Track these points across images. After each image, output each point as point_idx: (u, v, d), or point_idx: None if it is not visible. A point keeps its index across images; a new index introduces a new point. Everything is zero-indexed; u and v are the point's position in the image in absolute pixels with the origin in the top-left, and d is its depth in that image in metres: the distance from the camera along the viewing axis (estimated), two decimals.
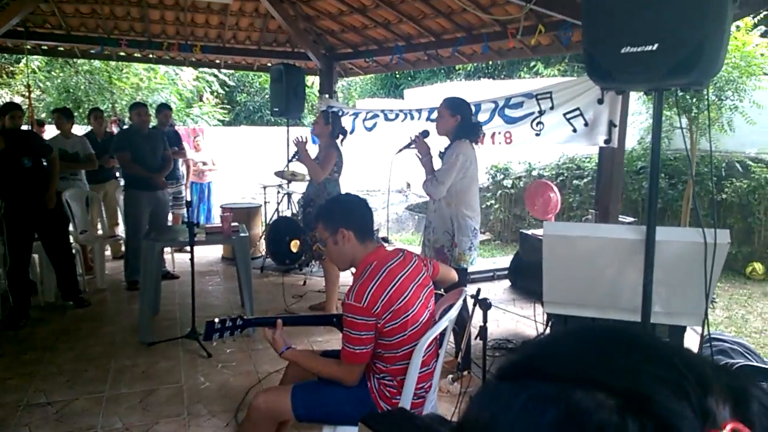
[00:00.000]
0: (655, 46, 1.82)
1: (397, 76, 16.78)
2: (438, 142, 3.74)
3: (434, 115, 4.05)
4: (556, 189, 5.45)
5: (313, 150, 4.95)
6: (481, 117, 5.61)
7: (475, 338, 2.71)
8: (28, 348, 4.04)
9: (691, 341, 3.61)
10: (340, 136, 4.76)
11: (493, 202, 9.17)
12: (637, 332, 0.43)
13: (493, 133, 5.54)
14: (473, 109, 5.62)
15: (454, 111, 3.59)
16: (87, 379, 3.54)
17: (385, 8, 6.15)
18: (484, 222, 9.41)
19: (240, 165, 12.12)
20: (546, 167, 8.76)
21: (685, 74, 1.80)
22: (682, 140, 7.60)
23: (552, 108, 5.00)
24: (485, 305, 2.89)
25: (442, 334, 2.37)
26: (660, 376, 0.38)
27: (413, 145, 3.64)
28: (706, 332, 2.21)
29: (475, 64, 14.64)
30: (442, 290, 2.48)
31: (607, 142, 4.68)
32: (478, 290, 2.89)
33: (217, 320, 2.15)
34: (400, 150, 3.76)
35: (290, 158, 3.55)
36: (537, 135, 5.26)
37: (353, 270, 2.19)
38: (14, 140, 4.56)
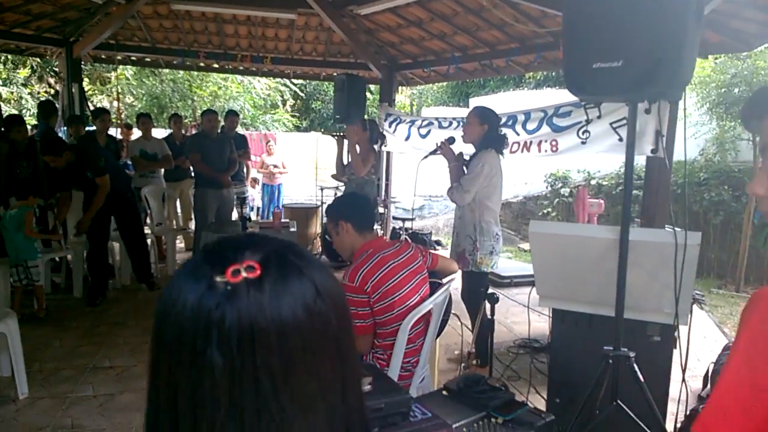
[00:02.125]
0: (621, 62, 2.00)
1: (467, 84, 16.95)
2: (465, 149, 3.94)
3: None
4: (586, 194, 5.52)
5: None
6: (530, 126, 5.73)
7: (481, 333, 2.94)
8: (101, 322, 4.63)
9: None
10: (378, 141, 5.08)
11: (550, 210, 9.19)
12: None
13: (540, 141, 5.65)
14: (523, 117, 5.82)
15: (483, 120, 3.75)
16: (146, 350, 4.00)
17: (440, 21, 6.42)
18: None
19: (309, 168, 12.70)
20: (606, 176, 8.69)
21: (646, 87, 1.97)
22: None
23: (599, 117, 5.02)
24: (493, 299, 3.12)
25: (443, 321, 2.62)
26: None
27: (439, 151, 3.81)
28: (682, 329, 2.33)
29: (544, 73, 14.58)
30: (443, 280, 2.72)
31: (653, 151, 4.69)
32: (487, 286, 3.13)
33: None
34: (426, 156, 3.90)
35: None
36: (583, 143, 5.33)
37: None
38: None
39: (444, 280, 2.68)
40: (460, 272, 3.67)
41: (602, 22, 2.05)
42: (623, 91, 2.05)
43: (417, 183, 3.80)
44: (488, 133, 3.73)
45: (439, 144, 3.80)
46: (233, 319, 0.55)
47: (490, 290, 3.18)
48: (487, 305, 3.25)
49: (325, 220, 2.53)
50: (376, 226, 7.24)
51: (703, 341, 4.58)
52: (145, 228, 6.14)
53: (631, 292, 2.25)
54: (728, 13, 4.16)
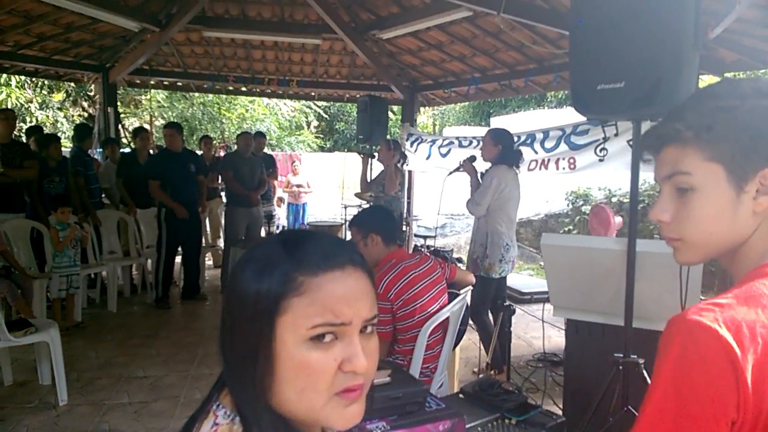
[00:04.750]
0: (623, 83, 2.15)
1: (489, 103, 17.13)
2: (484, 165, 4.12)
3: None
4: (610, 211, 5.56)
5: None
6: (548, 144, 5.84)
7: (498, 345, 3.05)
8: (134, 335, 4.84)
9: None
10: (401, 161, 5.26)
11: (571, 227, 9.23)
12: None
13: (558, 159, 5.75)
14: (541, 136, 5.94)
15: (497, 141, 3.98)
16: (178, 361, 4.24)
17: (459, 43, 6.61)
18: None
19: (332, 187, 12.95)
20: (626, 194, 8.71)
21: (647, 107, 2.10)
22: None
23: (616, 135, 5.10)
24: (509, 311, 3.23)
25: (460, 331, 2.75)
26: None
27: (462, 169, 4.06)
28: None
29: (565, 92, 14.66)
30: (461, 291, 2.86)
31: None
32: (504, 297, 3.25)
33: None
34: (451, 173, 4.19)
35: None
36: (600, 161, 5.42)
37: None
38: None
39: (461, 291, 2.81)
40: None
41: (605, 46, 2.20)
42: (626, 110, 2.18)
43: (441, 201, 4.01)
44: (503, 152, 3.93)
45: (461, 162, 4.01)
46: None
47: (507, 303, 3.29)
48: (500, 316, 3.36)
49: (349, 233, 2.67)
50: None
51: None
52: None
53: (640, 302, 2.35)
54: (741, 32, 4.26)
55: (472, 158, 4.10)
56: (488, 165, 4.09)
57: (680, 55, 2.04)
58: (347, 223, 8.15)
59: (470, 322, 3.42)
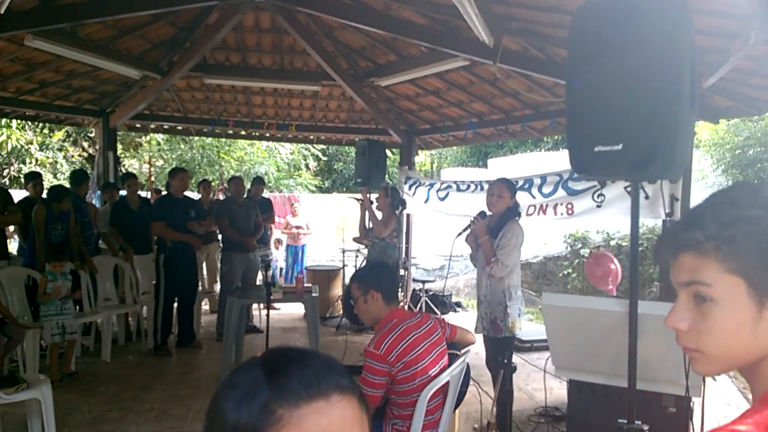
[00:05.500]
0: (620, 146, 2.15)
1: (486, 144, 17.28)
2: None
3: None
4: (616, 260, 5.54)
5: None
6: (546, 189, 5.86)
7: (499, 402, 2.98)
8: (128, 387, 4.73)
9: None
10: (399, 207, 5.26)
11: (570, 270, 9.19)
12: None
13: (556, 204, 5.77)
14: (539, 181, 5.96)
15: (513, 193, 3.87)
16: (172, 416, 4.13)
17: (457, 90, 6.69)
18: (561, 291, 9.40)
19: (331, 229, 12.94)
20: (624, 237, 8.70)
21: (644, 170, 2.10)
22: None
23: (614, 180, 5.12)
24: (510, 368, 3.17)
25: (461, 393, 2.69)
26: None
27: (472, 227, 3.85)
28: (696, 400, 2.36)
29: (563, 135, 14.82)
30: (461, 351, 2.80)
31: (669, 215, 4.76)
32: (511, 352, 3.19)
33: None
34: (460, 233, 3.93)
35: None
36: (598, 206, 5.43)
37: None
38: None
39: (462, 351, 2.75)
40: (481, 340, 3.74)
41: (602, 108, 2.20)
42: (624, 172, 2.18)
43: (450, 261, 3.94)
44: (514, 204, 3.88)
45: (472, 220, 3.82)
46: None
47: (508, 360, 3.23)
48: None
49: (348, 283, 2.65)
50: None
51: (725, 409, 4.50)
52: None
53: (643, 364, 2.30)
54: (734, 81, 4.31)
55: (483, 215, 3.90)
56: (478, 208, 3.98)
57: (677, 119, 2.04)
58: (348, 278, 8.10)
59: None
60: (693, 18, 2.19)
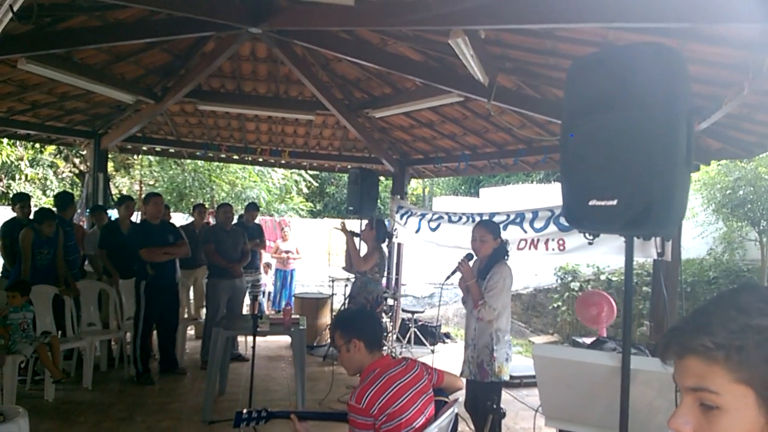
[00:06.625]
0: (615, 201, 2.14)
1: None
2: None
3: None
4: (612, 300, 5.50)
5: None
6: (537, 224, 5.87)
7: None
8: (107, 418, 4.61)
9: None
10: (386, 240, 5.24)
11: (560, 303, 9.17)
12: None
13: (547, 240, 5.78)
14: (531, 216, 5.97)
15: (496, 235, 3.82)
16: None
17: (450, 123, 6.73)
18: (551, 323, 9.37)
19: (321, 253, 12.87)
20: (615, 272, 8.73)
21: (639, 227, 2.09)
22: (755, 251, 7.42)
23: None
24: (499, 414, 3.12)
25: None
26: None
27: (459, 270, 3.80)
28: None
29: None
30: (449, 397, 2.75)
31: (660, 255, 4.76)
32: (495, 399, 3.13)
33: (245, 411, 2.56)
34: (448, 277, 3.91)
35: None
36: (590, 243, 5.39)
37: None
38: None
39: (450, 398, 2.70)
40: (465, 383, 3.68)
41: (597, 162, 2.20)
42: (618, 228, 2.17)
43: (440, 300, 3.88)
44: (501, 245, 3.84)
45: (459, 263, 3.81)
46: None
47: (497, 405, 3.18)
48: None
49: (338, 333, 2.59)
50: (385, 319, 7.19)
51: None
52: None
53: (635, 418, 2.26)
54: (727, 125, 4.37)
55: (470, 256, 3.87)
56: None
57: (673, 175, 2.04)
58: (332, 297, 8.04)
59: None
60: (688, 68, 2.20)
